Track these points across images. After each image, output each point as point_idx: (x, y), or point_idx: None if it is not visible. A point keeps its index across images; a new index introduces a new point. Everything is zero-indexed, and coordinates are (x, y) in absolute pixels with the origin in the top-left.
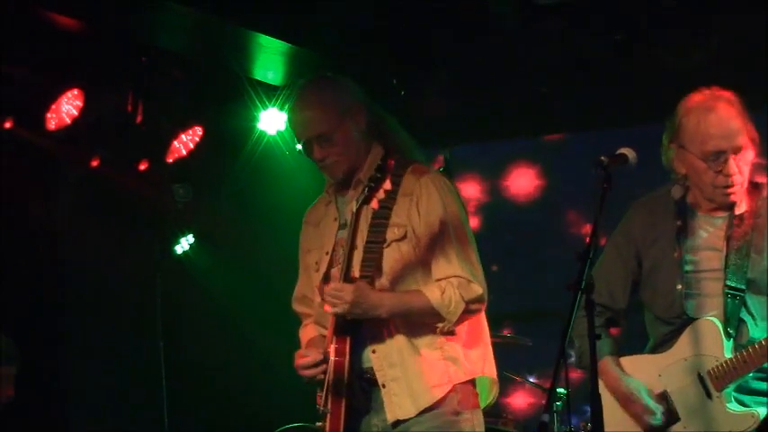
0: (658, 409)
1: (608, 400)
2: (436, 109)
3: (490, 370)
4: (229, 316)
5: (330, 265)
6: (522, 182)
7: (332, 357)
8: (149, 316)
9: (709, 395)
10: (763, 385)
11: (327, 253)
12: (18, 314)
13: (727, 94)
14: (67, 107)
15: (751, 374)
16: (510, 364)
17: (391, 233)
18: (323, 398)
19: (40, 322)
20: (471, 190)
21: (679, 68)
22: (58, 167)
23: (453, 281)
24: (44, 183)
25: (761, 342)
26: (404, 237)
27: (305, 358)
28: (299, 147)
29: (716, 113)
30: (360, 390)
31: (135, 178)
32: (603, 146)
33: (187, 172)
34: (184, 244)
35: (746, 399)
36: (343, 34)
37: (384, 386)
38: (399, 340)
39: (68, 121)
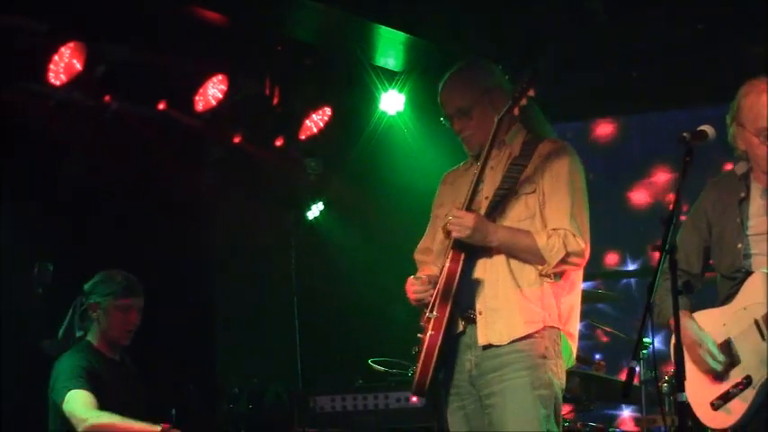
0: (720, 357)
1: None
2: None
3: (572, 332)
4: (355, 271)
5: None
6: (614, 158)
7: (447, 264)
8: (285, 273)
9: (762, 337)
10: None
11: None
12: (175, 275)
13: None
14: (213, 91)
15: None
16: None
17: (522, 187)
18: (430, 305)
19: (194, 283)
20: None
21: (755, 55)
22: (205, 144)
23: (561, 232)
24: (193, 158)
25: None
26: (533, 192)
27: (414, 285)
28: (442, 119)
29: None
30: (459, 319)
31: (272, 153)
32: (686, 123)
33: (317, 147)
34: (315, 210)
35: None
36: (455, 26)
37: (481, 313)
38: (505, 276)
39: (214, 103)
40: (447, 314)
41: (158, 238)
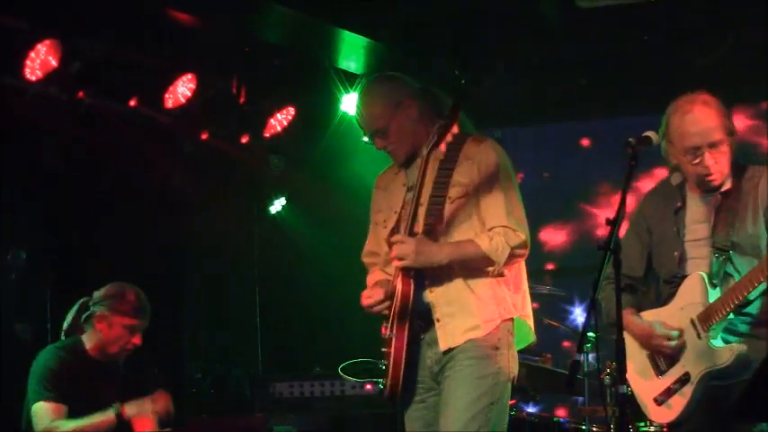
0: (674, 333)
1: (630, 347)
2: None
3: (528, 313)
4: (314, 264)
5: (398, 222)
6: (564, 160)
7: (399, 287)
8: (248, 264)
9: (698, 336)
10: (746, 327)
11: (396, 212)
12: (144, 263)
13: (704, 97)
14: (183, 89)
15: (738, 318)
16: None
17: (454, 191)
18: (388, 326)
19: (163, 271)
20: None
21: (698, 64)
22: (175, 140)
23: (500, 230)
24: (163, 153)
25: (732, 287)
26: (465, 194)
27: (369, 299)
28: (365, 138)
29: (692, 114)
30: (418, 327)
31: (238, 149)
32: (632, 129)
33: (281, 145)
34: (278, 205)
35: (733, 339)
36: (414, 31)
37: (439, 320)
38: (456, 281)
39: (183, 100)
40: (406, 331)
41: (128, 227)
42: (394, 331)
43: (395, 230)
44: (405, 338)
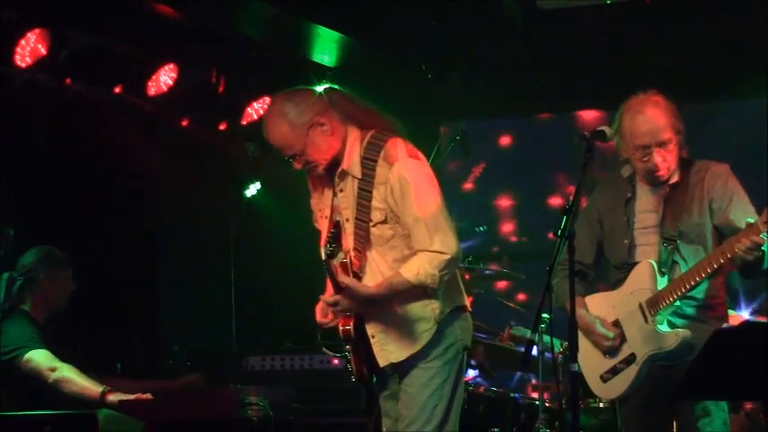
0: (611, 334)
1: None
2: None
3: (463, 299)
4: (286, 244)
5: (333, 228)
6: (525, 150)
7: (340, 327)
8: (224, 245)
9: (646, 320)
10: (692, 311)
11: (326, 217)
12: (124, 243)
13: (656, 98)
14: (165, 78)
15: (684, 301)
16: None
17: (374, 215)
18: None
19: (142, 249)
20: (487, 153)
21: (651, 65)
22: (156, 126)
23: (424, 256)
24: (145, 138)
25: (680, 276)
26: (385, 219)
27: (322, 318)
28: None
29: (643, 115)
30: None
31: (216, 136)
32: (588, 123)
33: (257, 132)
34: (253, 189)
35: (678, 321)
36: (385, 28)
37: (373, 337)
38: (389, 305)
39: (165, 89)
40: (359, 350)
41: (113, 207)
42: (350, 348)
43: (333, 239)
44: (361, 360)
